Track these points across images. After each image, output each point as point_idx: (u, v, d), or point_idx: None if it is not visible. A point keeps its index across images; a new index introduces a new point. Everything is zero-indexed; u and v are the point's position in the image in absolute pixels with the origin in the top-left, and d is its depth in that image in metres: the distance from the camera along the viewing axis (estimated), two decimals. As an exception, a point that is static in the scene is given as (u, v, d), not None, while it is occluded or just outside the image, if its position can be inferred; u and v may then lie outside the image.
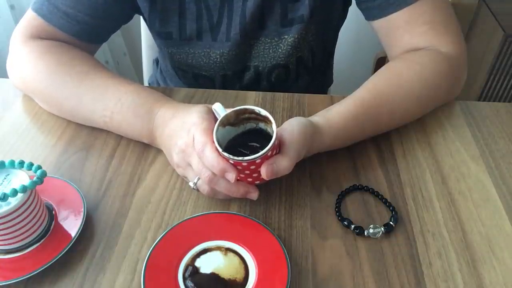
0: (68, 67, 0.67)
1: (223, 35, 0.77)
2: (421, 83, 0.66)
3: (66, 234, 0.53)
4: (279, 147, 0.54)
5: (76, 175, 0.62)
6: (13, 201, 0.49)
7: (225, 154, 0.50)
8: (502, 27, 1.27)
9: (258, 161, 0.50)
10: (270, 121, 0.52)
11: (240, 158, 0.50)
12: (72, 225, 0.54)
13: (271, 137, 0.50)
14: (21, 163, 0.52)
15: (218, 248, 0.53)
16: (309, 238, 0.55)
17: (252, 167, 0.51)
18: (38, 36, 0.71)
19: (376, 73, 0.68)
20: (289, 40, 0.77)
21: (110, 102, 0.64)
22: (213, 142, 0.51)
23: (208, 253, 0.52)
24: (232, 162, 0.51)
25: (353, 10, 0.79)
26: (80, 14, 0.70)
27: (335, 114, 0.62)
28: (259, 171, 0.52)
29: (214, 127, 0.52)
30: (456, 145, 0.67)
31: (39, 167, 0.52)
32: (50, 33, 0.71)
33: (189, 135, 0.55)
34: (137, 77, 1.78)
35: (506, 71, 1.34)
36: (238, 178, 0.53)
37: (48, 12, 0.70)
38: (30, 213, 0.51)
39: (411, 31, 0.70)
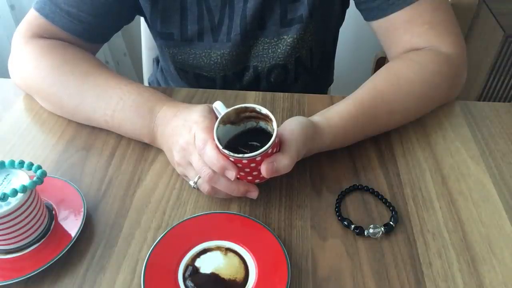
0: (70, 66, 0.67)
1: (224, 36, 0.77)
2: (421, 83, 0.66)
3: (66, 234, 0.53)
4: (279, 146, 0.54)
5: (76, 175, 0.62)
6: (13, 201, 0.49)
7: (225, 151, 0.50)
8: (502, 27, 1.27)
9: (258, 158, 0.51)
10: (270, 119, 0.52)
11: (240, 155, 0.50)
12: (72, 225, 0.54)
13: (271, 136, 0.51)
14: (21, 163, 0.52)
15: (218, 248, 0.53)
16: (309, 238, 0.55)
17: (252, 164, 0.51)
18: (40, 35, 0.71)
19: (376, 73, 0.68)
20: (288, 40, 0.77)
21: (112, 101, 0.64)
22: (214, 139, 0.51)
23: (208, 253, 0.52)
24: (232, 159, 0.51)
25: (353, 10, 0.79)
26: (83, 13, 0.70)
27: (335, 114, 0.62)
28: (259, 170, 0.52)
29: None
30: (456, 145, 0.67)
31: (39, 167, 0.52)
32: (52, 32, 0.71)
33: (190, 133, 0.55)
34: (137, 77, 1.78)
35: (506, 71, 1.33)
36: (238, 176, 0.53)
37: (50, 11, 0.70)
38: (30, 213, 0.51)
39: (410, 31, 0.70)
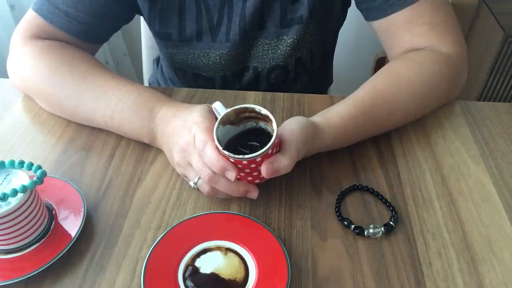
0: (69, 67, 0.67)
1: (223, 36, 0.77)
2: (421, 83, 0.66)
3: (66, 234, 0.53)
4: (279, 146, 0.54)
5: (76, 175, 0.62)
6: (13, 201, 0.49)
7: (225, 152, 0.50)
8: (502, 27, 1.27)
9: (258, 159, 0.51)
10: (270, 119, 0.52)
11: (240, 156, 0.50)
12: (72, 225, 0.54)
13: (271, 136, 0.51)
14: (21, 163, 0.52)
15: (218, 248, 0.53)
16: (309, 238, 0.55)
17: (252, 165, 0.51)
18: (39, 36, 0.71)
19: (376, 73, 0.68)
20: (288, 41, 0.77)
21: (111, 102, 0.64)
22: (214, 140, 0.51)
23: (208, 253, 0.52)
24: (232, 160, 0.51)
25: (353, 10, 0.79)
26: (81, 14, 0.70)
27: (335, 114, 0.62)
28: (259, 170, 0.52)
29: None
30: (456, 145, 0.67)
31: (39, 167, 0.52)
32: (51, 33, 0.71)
33: (190, 134, 0.55)
34: (137, 77, 1.78)
35: (506, 71, 1.33)
36: (238, 177, 0.53)
37: (48, 12, 0.70)
38: (30, 213, 0.51)
39: (411, 31, 0.70)
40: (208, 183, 0.54)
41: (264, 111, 0.53)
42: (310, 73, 0.86)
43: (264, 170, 0.51)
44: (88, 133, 0.68)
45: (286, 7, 0.75)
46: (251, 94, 0.76)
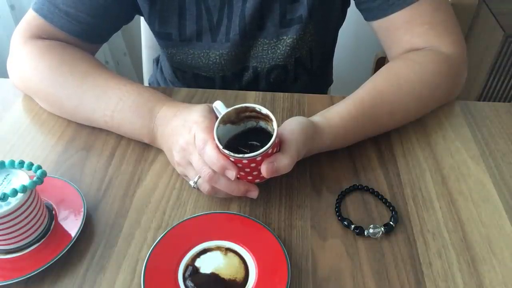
0: (69, 67, 0.67)
1: (223, 36, 0.77)
2: (421, 83, 0.66)
3: (66, 234, 0.53)
4: (280, 146, 0.54)
5: (76, 175, 0.62)
6: (13, 201, 0.49)
7: (226, 151, 0.50)
8: (502, 27, 1.27)
9: (258, 158, 0.51)
10: (270, 119, 0.52)
11: (241, 155, 0.50)
12: (72, 225, 0.54)
13: (271, 135, 0.51)
14: (21, 163, 0.52)
15: (218, 248, 0.53)
16: (309, 238, 0.55)
17: (253, 164, 0.51)
18: (39, 36, 0.71)
19: (376, 73, 0.68)
20: (288, 41, 0.77)
21: (111, 101, 0.64)
22: (214, 139, 0.51)
23: (208, 253, 0.52)
24: (232, 159, 0.51)
25: (353, 10, 0.79)
26: (81, 14, 0.70)
27: (335, 114, 0.62)
28: (259, 169, 0.52)
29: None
30: (456, 145, 0.67)
31: (39, 167, 0.52)
32: (51, 33, 0.71)
33: (190, 133, 0.55)
34: (137, 77, 1.78)
35: (506, 71, 1.34)
36: (238, 176, 0.53)
37: (48, 12, 0.70)
38: (30, 213, 0.51)
39: (411, 31, 0.70)
40: (208, 182, 0.54)
41: (264, 110, 0.53)
42: (309, 73, 0.86)
43: (264, 170, 0.51)
44: (88, 133, 0.68)
45: (286, 7, 0.75)
46: (251, 94, 0.76)
